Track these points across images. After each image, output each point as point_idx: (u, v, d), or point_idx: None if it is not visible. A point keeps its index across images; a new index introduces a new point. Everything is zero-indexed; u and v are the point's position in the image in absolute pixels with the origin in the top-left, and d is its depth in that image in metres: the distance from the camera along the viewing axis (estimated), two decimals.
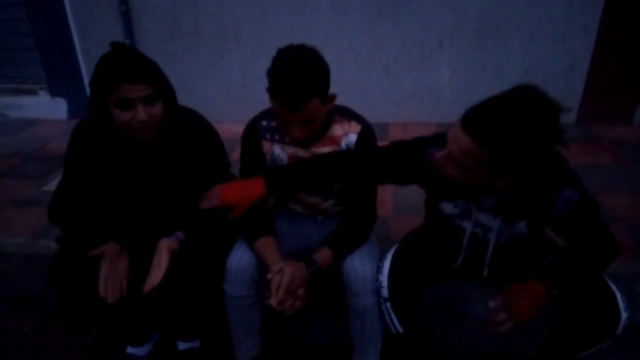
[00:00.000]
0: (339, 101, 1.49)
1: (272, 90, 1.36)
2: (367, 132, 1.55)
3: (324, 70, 1.38)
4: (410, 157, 1.41)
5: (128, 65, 1.35)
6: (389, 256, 1.55)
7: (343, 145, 1.55)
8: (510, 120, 1.06)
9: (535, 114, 1.06)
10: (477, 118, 1.10)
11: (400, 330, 1.55)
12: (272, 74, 1.35)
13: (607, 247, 1.35)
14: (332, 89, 1.43)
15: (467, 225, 1.44)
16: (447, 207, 1.44)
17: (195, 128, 1.59)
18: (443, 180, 1.28)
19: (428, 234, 1.60)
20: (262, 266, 1.54)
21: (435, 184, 1.40)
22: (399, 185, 1.58)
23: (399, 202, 2.66)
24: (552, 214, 1.29)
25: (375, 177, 1.54)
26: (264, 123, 1.58)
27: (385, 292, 1.50)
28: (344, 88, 1.76)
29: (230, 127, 2.38)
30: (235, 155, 1.69)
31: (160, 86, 1.44)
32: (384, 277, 1.51)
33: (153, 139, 1.49)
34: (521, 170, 1.15)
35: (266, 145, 1.59)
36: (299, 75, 1.31)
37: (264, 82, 1.38)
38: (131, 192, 1.58)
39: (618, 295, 1.36)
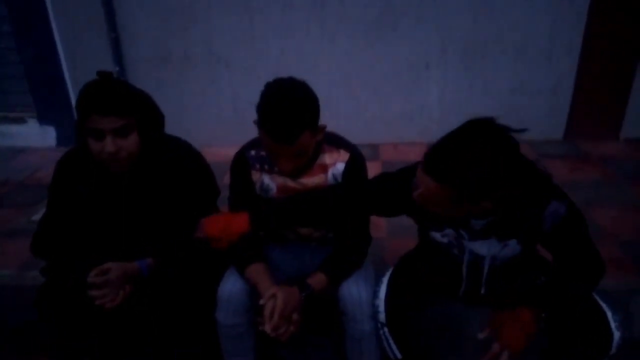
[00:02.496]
0: (329, 123, 1.49)
1: (261, 125, 1.36)
2: (355, 160, 1.55)
3: (313, 103, 1.37)
4: (396, 189, 1.40)
5: (100, 97, 1.36)
6: (385, 280, 1.54)
7: (330, 174, 1.54)
8: (459, 154, 1.09)
9: (483, 142, 1.09)
10: (432, 159, 1.14)
11: (399, 356, 1.53)
12: (261, 109, 1.35)
13: (593, 266, 1.34)
14: (323, 111, 1.42)
15: (458, 253, 1.44)
16: (436, 236, 1.44)
17: (182, 156, 1.59)
18: (429, 212, 1.28)
19: (422, 258, 1.59)
20: (253, 293, 1.52)
21: (422, 214, 1.39)
22: (388, 217, 1.56)
23: (392, 224, 2.64)
24: (540, 229, 1.29)
25: (364, 209, 1.52)
26: (253, 152, 1.57)
27: (382, 317, 1.49)
28: (334, 110, 1.77)
29: (221, 151, 2.37)
30: (226, 179, 1.68)
31: (140, 117, 1.43)
32: (380, 302, 1.49)
33: (130, 168, 1.49)
34: (496, 194, 1.14)
35: (255, 175, 1.58)
36: (288, 110, 1.30)
37: (254, 106, 1.38)
38: (111, 219, 1.57)
39: (609, 314, 1.35)
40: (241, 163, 1.58)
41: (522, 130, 1.12)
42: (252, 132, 1.58)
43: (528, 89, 3.61)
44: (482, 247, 1.39)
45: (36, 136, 4.14)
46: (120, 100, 1.38)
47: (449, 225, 1.39)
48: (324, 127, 1.46)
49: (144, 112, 1.45)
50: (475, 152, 1.08)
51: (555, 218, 1.27)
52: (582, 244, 1.33)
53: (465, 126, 1.13)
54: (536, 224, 1.29)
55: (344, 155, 1.54)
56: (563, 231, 1.29)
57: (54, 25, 3.76)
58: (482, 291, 1.48)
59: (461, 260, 1.44)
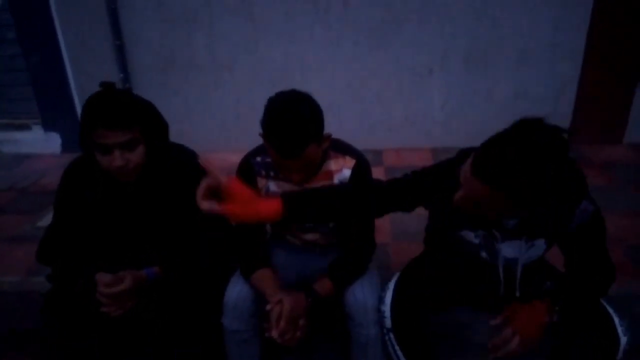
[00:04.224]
0: (332, 129, 1.49)
1: (267, 140, 1.36)
2: (361, 166, 1.55)
3: (317, 115, 1.37)
4: (429, 186, 1.37)
5: (105, 111, 1.35)
6: (391, 286, 1.53)
7: (336, 180, 1.54)
8: (518, 161, 1.05)
9: (541, 149, 1.05)
10: (486, 163, 1.09)
11: None
12: (265, 125, 1.35)
13: (607, 271, 1.36)
14: (326, 116, 1.41)
15: (487, 255, 1.44)
16: (468, 236, 1.43)
17: (185, 163, 1.59)
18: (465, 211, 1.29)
19: (434, 264, 1.59)
20: (259, 299, 1.52)
21: (457, 212, 1.37)
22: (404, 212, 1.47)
23: (397, 229, 2.65)
24: (568, 226, 1.31)
25: (377, 209, 1.44)
26: (259, 159, 1.58)
27: (388, 322, 1.48)
28: (337, 115, 1.78)
29: (225, 156, 2.38)
30: None
31: (145, 127, 1.43)
32: (386, 307, 1.49)
33: (137, 178, 1.50)
34: (541, 198, 1.13)
35: (261, 182, 1.58)
36: (293, 125, 1.30)
37: (258, 112, 1.38)
38: (117, 225, 1.58)
39: (616, 320, 1.35)
40: (247, 170, 1.58)
41: (570, 132, 1.07)
42: (255, 138, 1.59)
43: (531, 95, 3.62)
44: (512, 249, 1.39)
45: (41, 143, 4.16)
46: (125, 113, 1.38)
47: (481, 226, 1.39)
48: (329, 135, 1.46)
49: (148, 122, 1.46)
50: (529, 157, 1.05)
51: (584, 217, 1.29)
52: (599, 249, 1.35)
53: (515, 127, 1.09)
54: (565, 222, 1.30)
55: (350, 162, 1.54)
56: (586, 232, 1.31)
57: (59, 33, 3.80)
58: (518, 294, 1.47)
59: (493, 262, 1.44)
